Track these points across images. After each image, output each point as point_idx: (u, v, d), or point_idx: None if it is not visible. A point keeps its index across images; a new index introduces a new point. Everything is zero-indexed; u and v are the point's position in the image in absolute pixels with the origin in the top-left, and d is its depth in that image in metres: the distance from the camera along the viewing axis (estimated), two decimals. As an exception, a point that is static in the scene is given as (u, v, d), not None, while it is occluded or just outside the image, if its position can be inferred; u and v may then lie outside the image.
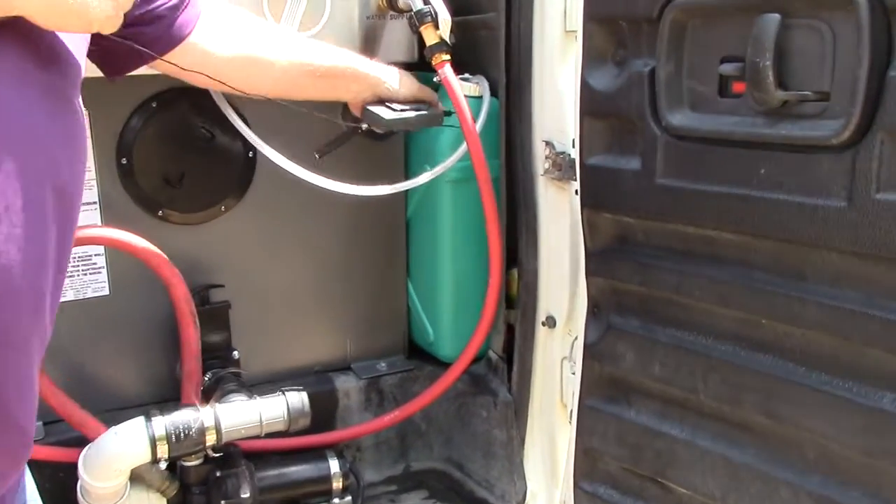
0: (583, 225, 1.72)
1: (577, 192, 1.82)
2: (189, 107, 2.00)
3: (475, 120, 1.96)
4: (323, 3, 1.99)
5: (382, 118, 1.87)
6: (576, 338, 1.99)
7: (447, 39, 1.93)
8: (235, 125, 1.91)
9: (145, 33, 1.49)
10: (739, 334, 1.50)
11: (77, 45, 1.08)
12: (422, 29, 1.93)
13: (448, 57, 1.94)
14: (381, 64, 1.94)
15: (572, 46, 1.89)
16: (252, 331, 2.18)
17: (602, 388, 1.76)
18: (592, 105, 1.65)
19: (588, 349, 1.77)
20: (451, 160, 2.02)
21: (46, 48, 1.01)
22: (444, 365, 2.32)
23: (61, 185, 1.02)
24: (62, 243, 1.05)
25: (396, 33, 2.10)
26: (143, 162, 1.99)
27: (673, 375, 1.60)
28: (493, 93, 2.10)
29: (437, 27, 1.93)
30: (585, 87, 1.66)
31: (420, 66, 2.13)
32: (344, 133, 1.99)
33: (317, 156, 2.01)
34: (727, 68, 1.44)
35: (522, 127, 2.00)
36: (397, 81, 1.93)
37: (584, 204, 1.70)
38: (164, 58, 1.54)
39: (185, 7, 1.56)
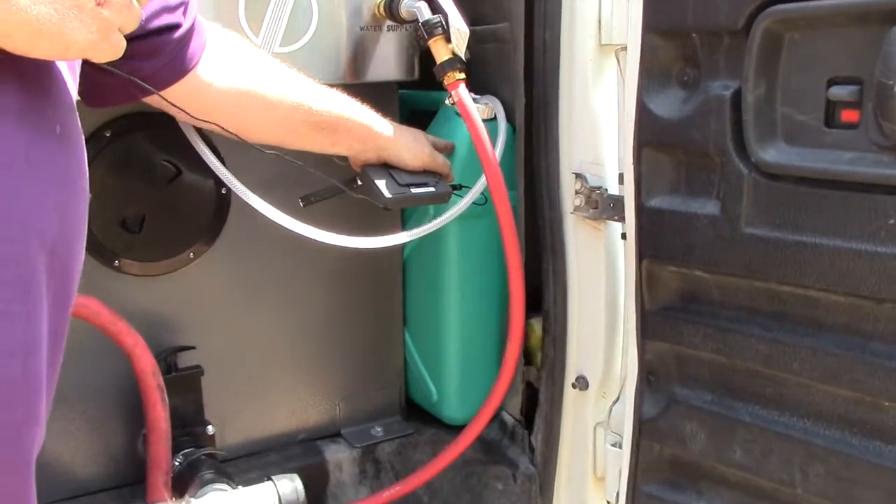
0: (639, 278, 1.43)
1: (623, 235, 1.54)
2: (150, 137, 1.66)
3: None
4: (309, 13, 1.67)
5: (383, 195, 1.62)
6: (614, 402, 1.71)
7: (461, 55, 1.62)
8: (207, 161, 1.58)
9: (143, 68, 1.24)
10: (852, 418, 1.23)
11: (69, 66, 0.92)
12: (431, 43, 1.63)
13: (463, 76, 1.64)
14: (394, 124, 1.67)
15: (609, 63, 1.62)
16: (228, 396, 1.85)
17: (663, 472, 1.47)
18: (653, 135, 1.36)
19: (644, 425, 1.48)
20: (468, 198, 1.71)
21: (31, 70, 0.84)
22: (449, 428, 2.03)
23: (51, 243, 0.86)
24: (57, 320, 0.90)
25: (392, 47, 1.80)
26: (94, 203, 1.62)
27: (760, 463, 1.32)
28: (506, 116, 1.80)
29: (448, 40, 1.63)
30: (644, 112, 1.37)
31: (421, 83, 1.84)
32: (336, 186, 1.68)
33: (301, 203, 1.69)
34: (839, 92, 1.16)
35: (549, 157, 1.71)
36: (408, 148, 1.67)
37: (643, 254, 1.40)
38: (162, 93, 1.28)
39: (193, 35, 1.29)
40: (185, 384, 1.74)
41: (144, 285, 1.72)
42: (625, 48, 1.53)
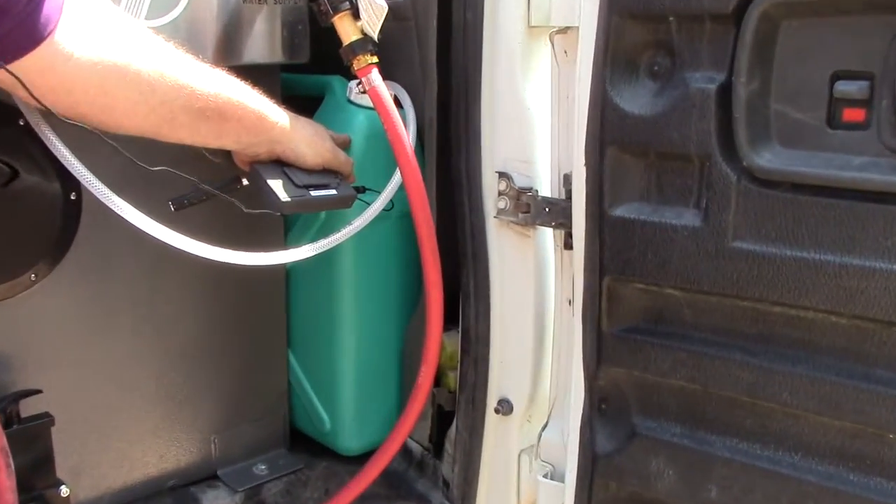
0: (596, 296, 1.25)
1: (567, 244, 1.35)
2: (-25, 128, 1.31)
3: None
4: (181, -21, 1.37)
5: (277, 198, 1.35)
6: (543, 427, 1.53)
7: (373, 35, 1.38)
8: (59, 156, 1.24)
9: None
10: (850, 451, 1.11)
11: None
12: (336, 20, 1.37)
13: (376, 59, 1.39)
14: (291, 113, 1.40)
15: (540, 47, 1.42)
16: (82, 444, 1.54)
17: (622, 513, 1.30)
18: (620, 133, 1.18)
19: (598, 461, 1.31)
20: (380, 201, 1.47)
21: None
22: (343, 460, 1.80)
23: None
24: None
25: (279, 23, 1.53)
26: None
27: (741, 503, 1.18)
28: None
29: (356, 16, 1.37)
30: (608, 107, 1.18)
31: (311, 67, 1.58)
32: (216, 186, 1.40)
33: (172, 207, 1.38)
34: (847, 88, 1.02)
35: (469, 154, 1.49)
36: (308, 143, 1.40)
37: (605, 269, 1.22)
38: (10, 67, 0.99)
39: None
40: (31, 437, 1.40)
41: (-28, 316, 1.37)
42: (563, 31, 1.34)
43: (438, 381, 1.70)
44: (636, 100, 1.17)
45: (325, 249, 1.42)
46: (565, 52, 1.35)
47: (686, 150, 1.13)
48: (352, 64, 1.39)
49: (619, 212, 1.20)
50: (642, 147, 1.17)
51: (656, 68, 1.16)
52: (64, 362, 1.49)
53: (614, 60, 1.17)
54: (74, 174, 1.22)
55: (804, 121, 1.06)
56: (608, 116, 1.18)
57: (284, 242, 1.70)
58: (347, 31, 1.37)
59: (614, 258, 1.21)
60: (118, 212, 1.25)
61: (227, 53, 1.48)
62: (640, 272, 1.19)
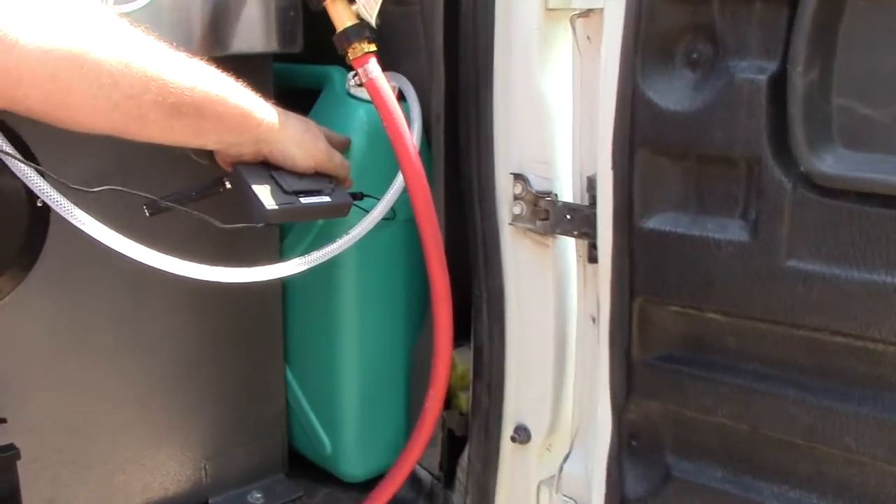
0: (626, 319, 1.09)
1: (592, 258, 1.19)
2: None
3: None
4: (154, -41, 1.22)
5: (262, 206, 1.19)
6: (565, 458, 1.37)
7: (371, 21, 1.22)
8: (6, 160, 1.10)
9: None
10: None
11: None
12: (328, 3, 1.22)
13: (374, 48, 1.23)
14: (280, 109, 1.24)
15: (560, 32, 1.25)
16: (56, 475, 1.40)
17: (654, 564, 1.14)
18: (653, 132, 1.01)
19: (627, 505, 1.15)
20: (380, 208, 1.31)
21: None
22: (347, 487, 1.65)
23: None
24: None
25: (268, 8, 1.37)
26: None
27: (796, 561, 1.02)
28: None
29: (352, 0, 1.21)
30: (640, 101, 1.01)
31: (297, 54, 1.42)
32: (196, 190, 1.25)
33: (147, 212, 1.23)
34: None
35: (480, 153, 1.33)
36: (298, 143, 1.25)
37: (637, 290, 1.06)
38: None
39: None
40: (-7, 474, 1.26)
41: (-74, 339, 1.23)
42: (586, 13, 1.18)
43: (449, 402, 1.54)
44: (672, 93, 1.00)
45: (316, 264, 1.26)
46: (588, 37, 1.18)
47: (731, 153, 0.96)
48: (347, 53, 1.23)
49: (652, 223, 1.03)
50: (679, 148, 1.00)
51: (696, 56, 1.00)
52: (33, 387, 1.34)
53: (646, 47, 1.01)
54: (26, 182, 1.07)
55: (873, 118, 0.89)
56: (639, 113, 1.02)
57: (279, 251, 1.55)
58: (341, 15, 1.22)
59: (647, 277, 1.05)
60: (82, 227, 1.10)
61: (211, 42, 1.33)
62: (676, 293, 1.03)
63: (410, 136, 1.25)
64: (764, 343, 1.01)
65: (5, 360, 1.31)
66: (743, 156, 0.95)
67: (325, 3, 1.22)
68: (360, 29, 1.22)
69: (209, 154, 1.29)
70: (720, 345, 1.04)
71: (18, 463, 1.29)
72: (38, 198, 1.25)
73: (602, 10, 1.10)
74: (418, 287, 1.54)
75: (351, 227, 1.35)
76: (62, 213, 1.10)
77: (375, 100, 1.23)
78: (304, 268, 1.25)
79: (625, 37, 1.03)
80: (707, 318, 1.03)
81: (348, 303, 1.53)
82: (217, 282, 1.24)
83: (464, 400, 1.53)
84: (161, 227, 1.26)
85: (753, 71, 0.94)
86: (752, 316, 0.99)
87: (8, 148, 1.06)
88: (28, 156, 1.23)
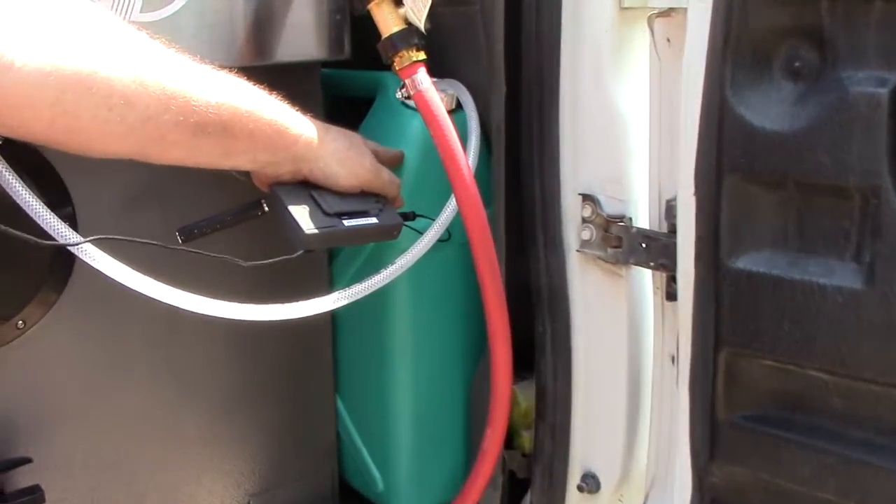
0: (710, 373, 0.93)
1: (670, 295, 1.04)
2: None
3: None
4: (185, -37, 1.11)
5: (300, 230, 1.09)
6: (639, 512, 1.22)
7: (419, 25, 1.09)
8: (15, 197, 0.99)
9: None
10: None
11: None
12: (373, 6, 1.09)
13: (422, 56, 1.10)
14: (319, 123, 1.13)
15: (636, 35, 1.10)
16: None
17: None
18: (745, 155, 0.86)
19: (711, 582, 0.99)
20: (433, 232, 1.19)
21: None
22: (399, 525, 1.51)
23: None
24: None
25: (312, 13, 1.26)
26: None
27: None
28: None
29: (398, 3, 1.08)
30: (729, 118, 0.86)
31: (353, 62, 1.32)
32: (232, 213, 1.15)
33: (179, 238, 1.14)
34: None
35: (544, 171, 1.19)
36: (340, 160, 1.14)
37: (723, 339, 0.90)
38: None
39: None
40: (17, 518, 1.18)
41: (-53, 373, 1.16)
42: (666, 13, 1.03)
43: (510, 442, 1.41)
44: (769, 109, 0.85)
45: (360, 297, 1.14)
46: (668, 40, 1.04)
47: (842, 182, 0.80)
48: (393, 62, 1.10)
49: (743, 262, 0.88)
50: (777, 175, 0.85)
51: (799, 65, 0.84)
52: (61, 424, 1.26)
53: (737, 53, 0.85)
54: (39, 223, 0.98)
55: None
56: (728, 131, 0.86)
57: (329, 275, 1.44)
58: (387, 20, 1.10)
59: (736, 325, 0.89)
60: (104, 271, 1.01)
61: (251, 50, 1.22)
62: (771, 347, 0.87)
63: (465, 157, 1.12)
64: (879, 408, 0.84)
65: (33, 394, 1.24)
66: (857, 186, 0.79)
67: (369, 7, 1.09)
68: (408, 35, 1.09)
69: (246, 172, 1.19)
70: (824, 407, 0.88)
71: (44, 505, 1.22)
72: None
73: (685, 8, 0.95)
74: (477, 314, 1.40)
75: (402, 251, 1.23)
76: (82, 258, 1.01)
77: (425, 115, 1.10)
78: (345, 302, 1.14)
79: (712, 40, 0.88)
80: (809, 375, 0.87)
81: (401, 331, 1.41)
82: (258, 311, 1.14)
83: (527, 439, 1.40)
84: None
85: (872, 83, 0.78)
86: (864, 376, 0.83)
87: (25, 191, 0.97)
88: (56, 181, 1.15)
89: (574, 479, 1.28)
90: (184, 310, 1.17)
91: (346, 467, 1.59)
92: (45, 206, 0.98)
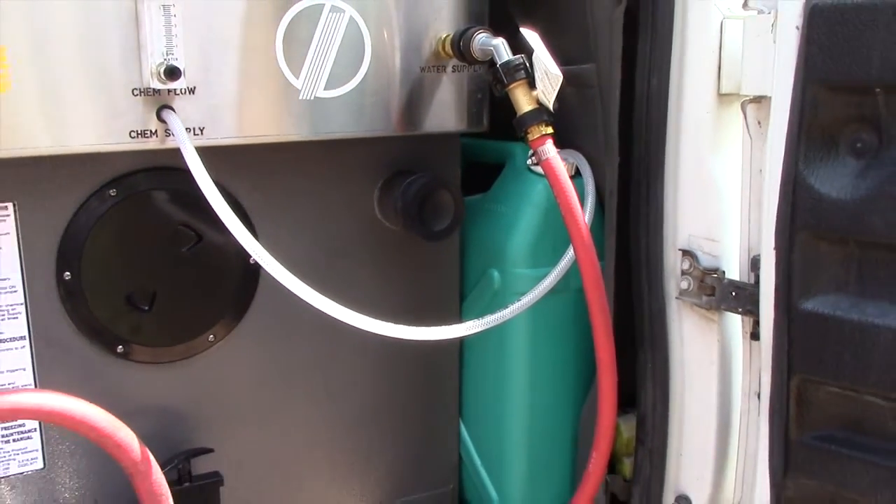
0: (783, 397, 1.11)
1: (754, 335, 1.22)
2: (164, 195, 1.37)
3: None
4: (360, 51, 1.38)
5: None
6: (726, 532, 1.38)
7: (549, 105, 1.32)
8: (229, 228, 1.26)
9: None
10: None
11: None
12: (511, 89, 1.33)
13: (550, 130, 1.33)
14: None
15: (730, 116, 1.30)
16: (249, 504, 1.55)
17: None
18: (814, 218, 1.05)
19: (785, 584, 1.15)
20: (552, 278, 1.40)
21: None
22: (511, 539, 1.70)
23: None
24: None
25: (457, 91, 1.50)
26: (96, 276, 1.36)
27: None
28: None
29: (532, 86, 1.32)
30: (801, 187, 1.05)
31: (488, 133, 1.55)
32: None
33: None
34: None
35: (650, 228, 1.39)
36: None
37: (794, 367, 1.09)
38: None
39: None
40: (200, 496, 1.44)
41: (154, 375, 1.43)
42: (756, 100, 1.23)
43: (613, 467, 1.59)
44: (834, 180, 1.04)
45: (490, 326, 1.36)
46: (759, 122, 1.23)
47: (894, 240, 0.98)
48: (525, 135, 1.33)
49: (811, 305, 1.06)
50: (840, 234, 1.03)
51: (860, 145, 1.03)
52: (237, 423, 1.52)
53: (810, 135, 1.05)
54: (245, 247, 1.24)
55: None
56: (800, 198, 1.05)
57: (460, 310, 1.67)
58: (522, 100, 1.33)
59: (805, 356, 1.07)
60: (289, 287, 1.26)
61: (406, 122, 1.47)
62: (834, 374, 1.05)
63: (582, 213, 1.33)
64: (926, 430, 1.01)
65: (217, 397, 1.49)
66: (905, 244, 0.97)
67: (508, 89, 1.33)
68: (539, 113, 1.32)
69: (400, 220, 1.44)
70: (881, 429, 1.04)
71: (221, 489, 1.47)
72: (251, 255, 1.45)
73: (771, 97, 1.15)
74: (587, 354, 1.60)
75: (523, 293, 1.44)
76: (270, 271, 1.26)
77: (550, 178, 1.32)
78: (478, 329, 1.35)
79: (790, 124, 1.08)
80: (866, 400, 1.04)
81: (519, 364, 1.62)
82: (401, 340, 1.37)
83: (627, 466, 1.57)
84: (355, 282, 1.42)
85: (921, 163, 0.96)
86: (913, 402, 0.99)
87: (232, 217, 1.23)
88: (244, 216, 1.42)
89: (668, 499, 1.45)
90: (341, 330, 1.40)
91: (464, 486, 1.80)
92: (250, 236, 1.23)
